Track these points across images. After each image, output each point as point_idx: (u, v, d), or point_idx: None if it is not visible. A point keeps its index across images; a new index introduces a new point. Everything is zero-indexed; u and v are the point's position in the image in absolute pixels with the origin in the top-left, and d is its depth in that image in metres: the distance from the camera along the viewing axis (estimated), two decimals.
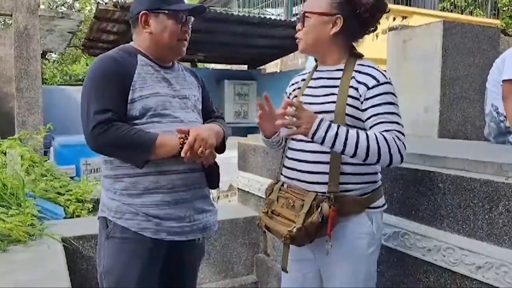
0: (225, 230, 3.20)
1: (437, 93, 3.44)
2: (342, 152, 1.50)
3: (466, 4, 13.91)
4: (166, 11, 1.66)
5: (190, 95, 1.79)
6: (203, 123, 1.80)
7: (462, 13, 13.17)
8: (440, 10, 13.02)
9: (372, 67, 1.62)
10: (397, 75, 3.65)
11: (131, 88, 1.60)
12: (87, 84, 1.60)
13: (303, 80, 1.82)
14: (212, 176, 1.77)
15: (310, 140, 1.50)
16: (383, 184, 2.12)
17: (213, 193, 1.87)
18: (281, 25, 7.53)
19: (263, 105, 1.60)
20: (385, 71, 1.64)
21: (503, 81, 2.64)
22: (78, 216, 3.73)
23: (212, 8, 12.26)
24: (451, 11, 13.36)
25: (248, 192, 3.44)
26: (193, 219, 1.69)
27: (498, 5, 13.54)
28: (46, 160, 4.61)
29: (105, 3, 12.35)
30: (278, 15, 11.43)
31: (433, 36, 3.45)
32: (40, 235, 2.65)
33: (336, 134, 1.47)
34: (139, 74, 1.64)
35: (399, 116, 1.57)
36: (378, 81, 1.57)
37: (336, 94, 1.60)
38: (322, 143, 1.48)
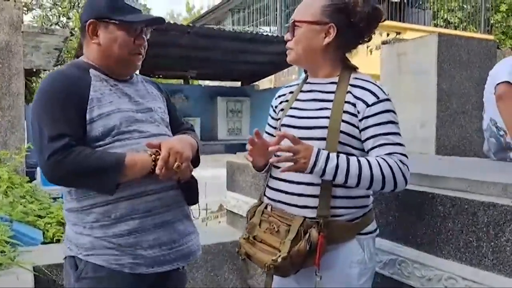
0: (211, 254, 3.01)
1: (433, 108, 3.32)
2: (345, 183, 1.40)
3: (459, 20, 14.01)
4: (117, 21, 1.49)
5: (155, 107, 1.63)
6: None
7: (455, 30, 13.22)
8: (434, 26, 13.07)
9: (370, 82, 1.49)
10: (391, 89, 3.52)
11: (88, 107, 1.43)
12: (38, 105, 1.42)
13: (291, 92, 1.68)
14: (190, 191, 1.61)
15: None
16: (377, 207, 1.97)
17: (193, 210, 1.69)
18: (274, 41, 7.46)
19: (253, 140, 1.47)
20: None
21: (497, 84, 2.53)
22: (58, 240, 3.52)
23: (207, 25, 12.25)
24: (445, 27, 13.42)
25: (236, 213, 3.27)
26: (176, 245, 1.52)
27: (491, 21, 13.64)
28: (28, 181, 4.42)
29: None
30: (272, 33, 11.41)
31: (428, 49, 3.34)
32: (10, 264, 2.46)
33: (337, 165, 1.37)
34: (94, 90, 1.47)
35: (400, 135, 1.46)
36: (378, 97, 1.45)
37: (329, 109, 1.47)
38: (322, 176, 1.38)
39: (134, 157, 1.42)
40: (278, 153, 1.43)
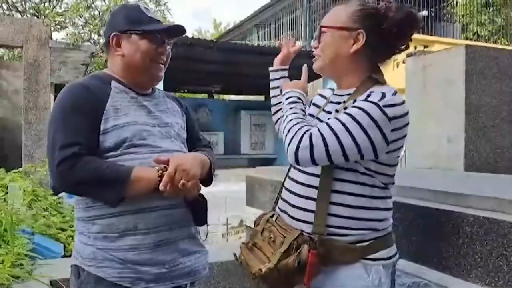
0: (230, 271, 2.94)
1: (461, 121, 3.17)
2: (283, 125, 1.40)
3: (490, 34, 13.67)
4: (138, 32, 1.53)
5: (172, 122, 1.62)
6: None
7: (486, 43, 12.89)
8: (464, 39, 12.78)
9: (380, 90, 1.33)
10: (416, 102, 3.40)
11: (103, 118, 1.44)
12: (54, 116, 1.45)
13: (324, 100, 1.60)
14: (199, 211, 1.57)
15: (304, 171, 1.39)
16: (400, 225, 1.86)
17: (200, 231, 1.64)
18: (298, 56, 7.42)
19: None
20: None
21: None
22: None
23: (232, 41, 12.36)
24: (476, 40, 13.10)
25: None
26: (176, 263, 1.49)
27: None
28: (52, 194, 4.48)
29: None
30: None
31: (455, 61, 3.22)
32: (27, 277, 2.45)
33: (290, 102, 1.43)
34: (112, 102, 1.49)
35: (348, 133, 1.26)
36: (367, 98, 1.31)
37: None
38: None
39: (141, 171, 1.40)
40: None
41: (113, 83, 1.53)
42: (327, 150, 1.26)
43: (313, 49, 1.50)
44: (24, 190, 3.92)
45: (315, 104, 1.62)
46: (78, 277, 1.47)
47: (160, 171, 1.40)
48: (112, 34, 1.54)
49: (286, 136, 1.34)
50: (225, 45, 7.16)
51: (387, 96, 1.29)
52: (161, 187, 1.37)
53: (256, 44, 10.82)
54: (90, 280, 1.44)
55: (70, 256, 3.59)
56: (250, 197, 3.32)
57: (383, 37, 1.38)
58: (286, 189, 1.49)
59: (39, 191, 4.16)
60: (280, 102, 1.67)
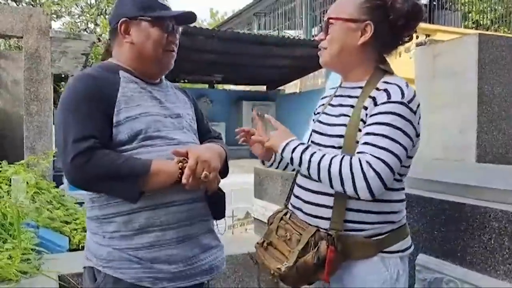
0: (239, 265, 2.90)
1: (473, 112, 3.12)
2: (309, 174, 1.33)
3: (490, 22, 13.60)
4: (149, 18, 1.45)
5: (184, 113, 1.56)
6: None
7: (486, 31, 12.81)
8: (464, 28, 12.70)
9: (393, 83, 1.33)
10: (426, 92, 3.34)
11: (115, 109, 1.37)
12: (63, 107, 1.37)
13: (327, 97, 1.59)
14: (217, 205, 1.52)
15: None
16: (420, 220, 1.82)
17: (217, 224, 1.60)
18: (300, 45, 7.35)
19: (241, 130, 1.57)
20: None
21: None
22: (84, 247, 3.48)
23: (232, 30, 12.24)
24: (476, 29, 13.03)
25: (264, 222, 3.15)
26: (197, 259, 1.44)
27: None
28: (55, 186, 4.42)
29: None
30: (298, 36, 11.29)
31: (467, 50, 3.15)
32: (35, 272, 2.41)
33: (293, 150, 1.35)
34: (123, 92, 1.41)
35: (396, 142, 1.25)
36: (389, 98, 1.29)
37: (348, 116, 1.35)
38: (291, 161, 1.36)
39: (161, 164, 1.34)
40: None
41: (122, 73, 1.45)
42: (391, 169, 1.24)
43: (319, 41, 1.47)
44: (27, 183, 3.87)
45: (323, 98, 1.62)
46: (94, 280, 1.41)
47: (180, 164, 1.34)
48: (121, 20, 1.45)
49: (338, 179, 1.25)
50: (227, 34, 7.07)
51: (406, 91, 1.31)
52: (184, 180, 1.32)
53: (256, 33, 10.70)
54: (108, 282, 1.38)
55: (75, 249, 3.58)
56: (259, 189, 3.28)
57: (390, 28, 1.38)
58: (299, 185, 1.46)
59: (42, 183, 4.10)
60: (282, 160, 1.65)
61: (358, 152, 1.26)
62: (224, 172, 1.55)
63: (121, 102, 1.39)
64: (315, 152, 1.31)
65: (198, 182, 1.34)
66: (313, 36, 11.04)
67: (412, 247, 1.45)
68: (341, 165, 1.24)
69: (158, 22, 1.45)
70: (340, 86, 1.52)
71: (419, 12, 1.39)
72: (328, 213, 1.34)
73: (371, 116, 1.29)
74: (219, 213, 1.54)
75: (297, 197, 1.46)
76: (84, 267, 1.45)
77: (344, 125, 1.35)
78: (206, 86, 10.42)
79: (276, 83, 9.98)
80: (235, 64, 8.24)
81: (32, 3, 15.32)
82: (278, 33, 11.87)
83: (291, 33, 12.14)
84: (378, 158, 1.22)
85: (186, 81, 10.20)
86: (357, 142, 1.31)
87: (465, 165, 2.98)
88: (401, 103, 1.28)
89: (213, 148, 1.48)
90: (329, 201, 1.34)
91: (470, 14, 13.81)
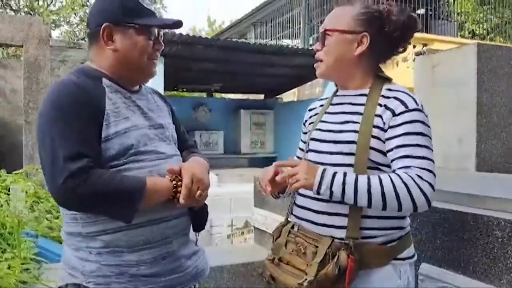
0: (239, 274, 2.89)
1: (472, 121, 3.14)
2: (355, 203, 1.28)
3: (486, 32, 13.70)
4: (137, 25, 1.37)
5: (165, 123, 1.50)
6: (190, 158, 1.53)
7: (483, 41, 12.91)
8: (460, 38, 12.80)
9: (401, 91, 1.39)
10: (425, 102, 3.34)
11: (104, 123, 1.29)
12: (48, 118, 1.25)
13: (322, 106, 1.60)
14: (200, 218, 1.50)
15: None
16: (423, 229, 1.82)
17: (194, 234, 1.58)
18: (298, 54, 7.36)
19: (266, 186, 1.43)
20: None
21: None
22: None
23: (230, 39, 12.28)
24: (472, 38, 13.12)
25: (265, 231, 3.14)
26: (183, 268, 1.42)
27: None
28: None
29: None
30: (295, 45, 11.34)
31: (466, 60, 3.18)
32: (35, 282, 2.40)
33: (344, 182, 1.27)
34: (110, 104, 1.33)
35: (429, 149, 1.32)
36: (406, 106, 1.34)
37: (358, 123, 1.37)
38: (330, 195, 1.30)
39: (155, 182, 1.31)
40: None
41: (104, 81, 1.38)
42: (434, 174, 1.30)
43: (315, 51, 1.49)
44: (26, 192, 3.85)
45: (311, 110, 1.64)
46: None
47: (173, 182, 1.32)
48: (104, 24, 1.36)
49: (394, 200, 1.26)
50: (225, 43, 7.08)
51: (414, 96, 1.36)
52: (181, 200, 1.30)
53: (254, 42, 10.74)
54: None
55: None
56: (259, 198, 3.27)
57: (386, 39, 1.41)
58: (304, 196, 1.44)
59: (41, 192, 4.09)
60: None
61: (401, 167, 1.28)
62: None
63: (110, 115, 1.32)
64: (357, 180, 1.28)
65: (192, 201, 1.34)
66: (311, 45, 11.09)
67: (416, 255, 1.46)
68: (395, 186, 1.25)
69: (145, 30, 1.39)
70: (335, 95, 1.54)
71: (414, 24, 1.43)
72: (343, 221, 1.34)
73: (394, 126, 1.32)
74: (200, 226, 1.52)
75: (304, 208, 1.44)
76: (66, 285, 1.35)
77: (354, 131, 1.36)
78: (205, 95, 10.43)
79: (274, 91, 10.00)
80: (234, 73, 8.24)
81: (31, 12, 15.34)
82: (276, 43, 11.93)
83: (289, 43, 12.20)
84: (424, 169, 1.26)
85: (184, 90, 10.20)
86: (371, 148, 1.33)
87: (466, 174, 2.99)
88: (419, 109, 1.34)
89: (202, 164, 1.46)
90: (345, 209, 1.33)
91: (466, 24, 13.92)
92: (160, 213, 1.35)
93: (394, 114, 1.33)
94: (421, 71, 3.61)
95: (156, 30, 1.41)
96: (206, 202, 1.48)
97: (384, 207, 1.27)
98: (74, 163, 1.17)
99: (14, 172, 4.34)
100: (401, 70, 7.14)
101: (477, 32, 13.80)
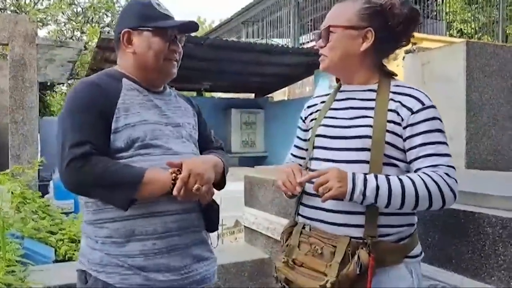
0: (230, 274, 2.86)
1: (462, 119, 3.15)
2: (387, 206, 1.26)
3: (474, 31, 13.83)
4: (151, 28, 1.48)
5: (184, 123, 1.56)
6: (201, 155, 1.57)
7: (471, 39, 13.02)
8: (449, 37, 12.90)
9: (413, 88, 1.39)
10: None
11: (114, 116, 1.40)
12: (64, 113, 1.41)
13: (323, 102, 1.56)
14: (210, 217, 1.52)
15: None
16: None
17: (211, 236, 1.57)
18: (288, 53, 7.36)
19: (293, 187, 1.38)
20: None
21: None
22: (70, 258, 3.42)
23: (221, 37, 12.24)
24: (460, 37, 13.23)
25: (255, 230, 3.12)
26: (189, 270, 1.44)
27: (506, 32, 13.42)
28: (40, 196, 4.34)
29: (108, 32, 12.39)
30: (286, 45, 11.34)
31: (455, 58, 3.19)
32: (20, 285, 2.35)
33: (377, 186, 1.25)
34: (124, 100, 1.44)
35: (447, 145, 1.34)
36: (423, 104, 1.33)
37: (371, 117, 1.35)
38: (363, 201, 1.26)
39: (154, 174, 1.35)
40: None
41: (125, 81, 1.48)
42: (455, 168, 1.33)
43: (318, 48, 1.48)
44: (12, 193, 3.78)
45: (310, 107, 1.61)
46: (85, 283, 1.43)
47: (173, 175, 1.35)
48: (123, 30, 1.49)
49: (426, 200, 1.26)
50: (215, 42, 7.05)
51: (425, 92, 1.38)
52: (175, 192, 1.33)
53: (243, 41, 10.72)
54: (97, 286, 1.39)
55: (61, 260, 3.50)
56: (249, 197, 3.24)
57: (390, 33, 1.40)
58: (313, 194, 1.39)
59: (27, 193, 4.03)
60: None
61: (428, 166, 1.29)
62: (220, 184, 1.55)
63: (121, 109, 1.41)
64: (389, 182, 1.26)
65: (189, 194, 1.35)
66: (301, 44, 11.10)
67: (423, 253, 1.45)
68: (427, 186, 1.26)
69: (159, 32, 1.48)
70: (339, 91, 1.52)
71: (417, 16, 1.42)
72: (360, 219, 1.31)
73: (414, 124, 1.32)
74: (212, 225, 1.54)
75: (312, 207, 1.41)
76: (77, 270, 1.47)
77: (368, 125, 1.34)
78: (195, 94, 10.40)
79: (265, 90, 10.00)
80: (224, 71, 8.22)
81: (17, 11, 15.14)
82: (266, 42, 11.91)
83: (279, 42, 12.19)
84: (449, 166, 1.30)
85: (174, 89, 10.15)
86: (386, 142, 1.32)
87: (456, 172, 3.00)
88: (434, 106, 1.35)
89: (210, 160, 1.48)
90: (361, 207, 1.31)
91: (454, 23, 14.03)
92: (164, 206, 1.40)
93: (412, 112, 1.32)
94: (411, 69, 3.62)
95: (172, 33, 1.50)
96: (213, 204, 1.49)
97: (416, 207, 1.28)
98: (77, 148, 1.30)
99: (0, 173, 4.28)
100: (391, 68, 7.17)
101: (465, 31, 13.92)
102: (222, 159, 1.57)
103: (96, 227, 1.42)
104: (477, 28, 13.87)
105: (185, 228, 1.44)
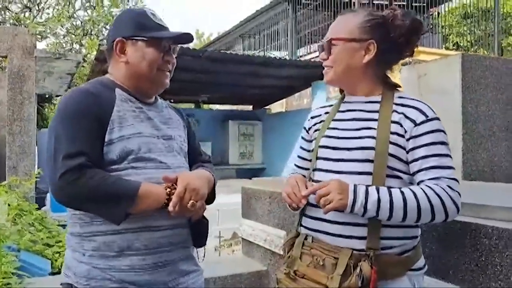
0: (228, 286, 2.84)
1: (458, 131, 3.16)
2: (389, 219, 1.26)
3: (469, 44, 13.95)
4: (146, 38, 1.46)
5: (175, 135, 1.56)
6: (190, 168, 1.57)
7: (466, 52, 13.13)
8: (445, 49, 13.00)
9: (416, 100, 1.40)
10: None
11: (108, 128, 1.37)
12: (56, 121, 1.36)
13: (327, 113, 1.56)
14: (200, 232, 1.51)
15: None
16: None
17: (199, 251, 1.56)
18: (286, 65, 7.40)
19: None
20: None
21: None
22: None
23: (217, 50, 12.30)
24: (456, 50, 13.34)
25: (253, 242, 3.11)
26: (177, 283, 1.43)
27: (502, 45, 13.53)
28: (37, 208, 4.31)
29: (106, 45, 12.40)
30: (283, 57, 11.40)
31: (451, 70, 3.22)
32: None
33: (379, 199, 1.24)
34: (118, 111, 1.41)
35: (450, 157, 1.34)
36: (427, 116, 1.34)
37: (374, 129, 1.36)
38: (364, 213, 1.26)
39: (149, 188, 1.34)
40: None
41: (118, 91, 1.46)
42: (457, 181, 1.33)
43: (322, 61, 1.48)
44: (9, 205, 3.77)
45: (313, 118, 1.60)
46: None
47: (168, 190, 1.34)
48: (117, 39, 1.46)
49: (428, 213, 1.26)
50: (213, 54, 7.08)
51: (428, 104, 1.39)
52: (170, 208, 1.32)
53: (241, 54, 10.79)
54: None
55: (57, 273, 3.47)
56: (246, 209, 3.23)
57: (393, 45, 1.40)
58: (316, 206, 1.37)
59: (24, 205, 4.01)
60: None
61: (431, 179, 1.29)
62: (210, 198, 1.55)
63: (115, 121, 1.38)
64: (391, 195, 1.26)
65: (184, 210, 1.34)
66: (298, 57, 11.17)
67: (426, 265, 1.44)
68: (429, 199, 1.25)
69: (154, 42, 1.46)
70: (343, 102, 1.52)
71: (419, 27, 1.42)
72: (362, 231, 1.31)
73: (417, 136, 1.32)
74: (201, 240, 1.52)
75: (315, 218, 1.41)
76: (62, 284, 1.43)
77: (371, 137, 1.34)
78: (192, 106, 10.42)
79: (263, 102, 10.03)
80: (222, 84, 8.25)
81: (17, 24, 15.21)
82: (264, 54, 11.99)
83: (276, 54, 12.26)
84: (452, 179, 1.29)
85: (172, 101, 10.17)
86: (390, 154, 1.32)
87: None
88: (437, 118, 1.35)
89: (203, 175, 1.48)
90: (363, 219, 1.30)
91: (450, 37, 14.15)
92: (155, 221, 1.37)
93: (416, 124, 1.32)
94: (407, 81, 3.64)
95: (167, 43, 1.49)
96: (203, 219, 1.48)
97: (418, 220, 1.28)
98: (72, 160, 1.26)
99: None
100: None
101: (461, 44, 14.03)
102: (212, 173, 1.57)
103: (84, 240, 1.38)
104: (473, 41, 13.99)
105: (175, 243, 1.43)
